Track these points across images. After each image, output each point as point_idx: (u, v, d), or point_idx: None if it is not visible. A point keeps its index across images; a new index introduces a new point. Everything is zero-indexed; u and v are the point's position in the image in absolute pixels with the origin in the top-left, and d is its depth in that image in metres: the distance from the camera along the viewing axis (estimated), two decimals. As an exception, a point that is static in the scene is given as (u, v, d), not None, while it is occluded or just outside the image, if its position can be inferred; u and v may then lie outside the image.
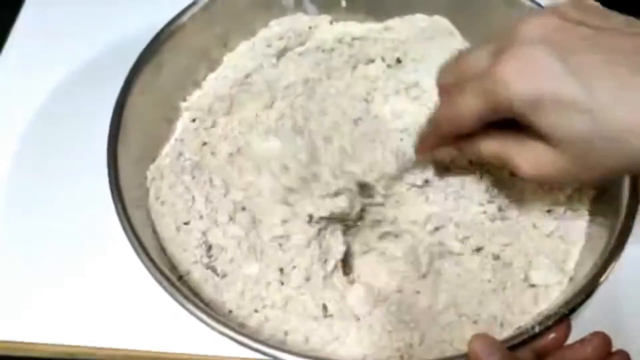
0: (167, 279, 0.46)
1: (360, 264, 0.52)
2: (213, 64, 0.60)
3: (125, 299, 0.57)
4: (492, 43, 0.43)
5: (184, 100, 0.59)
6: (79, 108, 0.67)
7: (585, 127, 0.39)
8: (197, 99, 0.59)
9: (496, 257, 0.51)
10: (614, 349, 0.42)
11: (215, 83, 0.60)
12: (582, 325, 0.45)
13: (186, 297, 0.45)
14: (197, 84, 0.60)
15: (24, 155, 0.65)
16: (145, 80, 0.54)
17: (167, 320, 0.56)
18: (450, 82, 0.46)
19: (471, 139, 0.46)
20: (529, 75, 0.39)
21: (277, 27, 0.61)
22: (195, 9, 0.57)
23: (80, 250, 0.59)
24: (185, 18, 0.57)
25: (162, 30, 0.56)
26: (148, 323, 0.56)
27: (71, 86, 0.69)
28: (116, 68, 0.52)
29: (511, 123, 0.42)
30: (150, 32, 0.55)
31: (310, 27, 0.62)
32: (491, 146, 0.45)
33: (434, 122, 0.48)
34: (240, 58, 0.60)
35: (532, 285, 0.49)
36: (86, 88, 0.69)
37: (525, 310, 0.48)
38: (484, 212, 0.52)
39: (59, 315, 0.56)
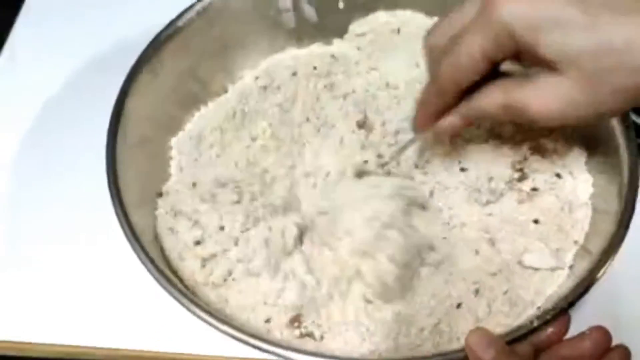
0: (169, 280, 0.45)
1: None
2: (212, 67, 0.60)
3: (125, 299, 0.57)
4: None
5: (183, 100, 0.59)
6: (79, 108, 0.67)
7: (589, 43, 0.39)
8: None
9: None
10: (613, 344, 0.42)
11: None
12: (581, 319, 0.44)
13: (189, 299, 0.44)
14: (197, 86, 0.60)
15: (24, 155, 0.65)
16: (144, 81, 0.54)
17: (167, 321, 0.56)
18: (441, 39, 0.45)
19: (473, 98, 0.45)
20: (526, 0, 0.40)
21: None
22: (193, 12, 0.57)
23: (80, 250, 0.59)
24: (183, 20, 0.57)
25: (162, 32, 0.56)
26: (148, 323, 0.56)
27: (71, 86, 0.70)
28: (116, 68, 0.52)
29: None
30: (150, 34, 0.55)
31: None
32: (496, 98, 0.44)
33: (432, 83, 0.47)
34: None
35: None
36: (86, 87, 0.69)
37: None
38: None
39: (59, 315, 0.57)
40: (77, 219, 0.61)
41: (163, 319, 0.56)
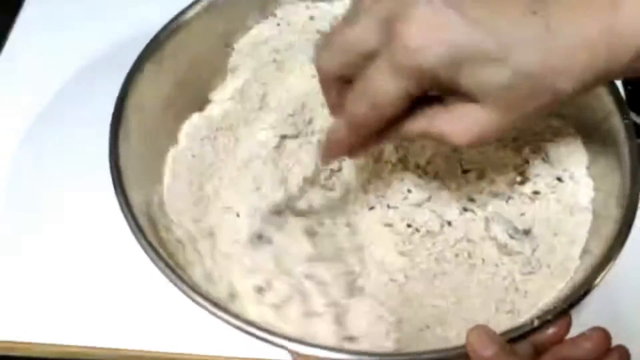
0: (177, 274, 0.45)
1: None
2: (214, 64, 0.60)
3: (125, 299, 0.57)
4: (367, 9, 0.41)
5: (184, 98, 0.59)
6: (79, 107, 0.68)
7: (505, 75, 0.39)
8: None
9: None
10: (613, 345, 0.42)
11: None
12: (582, 321, 0.44)
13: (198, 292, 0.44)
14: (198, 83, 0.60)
15: (24, 155, 0.66)
16: (146, 78, 0.54)
17: (167, 321, 0.56)
18: (338, 66, 0.43)
19: (395, 128, 0.44)
20: (439, 36, 0.38)
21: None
22: (197, 7, 0.57)
23: (80, 251, 0.59)
24: (187, 16, 0.57)
25: (164, 28, 0.56)
26: (148, 323, 0.56)
27: (71, 85, 0.70)
28: (116, 68, 0.52)
29: (428, 100, 0.42)
30: (150, 33, 0.55)
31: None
32: (417, 124, 0.43)
33: (347, 124, 0.44)
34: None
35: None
36: (86, 87, 0.69)
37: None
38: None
39: (59, 315, 0.57)
40: (77, 219, 0.61)
41: (163, 319, 0.56)
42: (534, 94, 0.40)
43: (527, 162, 0.53)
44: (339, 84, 0.44)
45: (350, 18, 0.42)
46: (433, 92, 0.42)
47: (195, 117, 0.57)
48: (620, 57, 0.39)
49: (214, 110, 0.58)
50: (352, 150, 0.46)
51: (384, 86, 0.40)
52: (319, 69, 0.45)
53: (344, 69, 0.43)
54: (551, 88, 0.40)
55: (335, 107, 0.46)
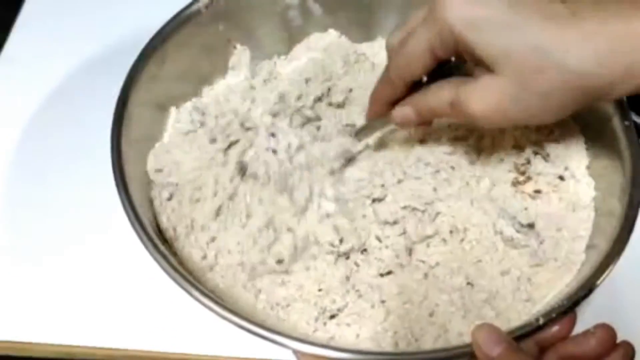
0: (181, 274, 0.45)
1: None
2: (216, 61, 0.60)
3: (125, 299, 0.57)
4: None
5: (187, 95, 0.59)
6: (79, 107, 0.68)
7: (517, 42, 0.41)
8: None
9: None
10: (618, 341, 0.42)
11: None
12: (586, 318, 0.45)
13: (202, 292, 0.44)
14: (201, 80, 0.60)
15: (25, 154, 0.65)
16: (148, 75, 0.53)
17: (167, 321, 0.56)
18: (398, 39, 0.48)
19: (424, 92, 0.48)
20: (465, 2, 0.42)
21: None
22: (200, 4, 0.57)
23: (80, 250, 0.59)
24: (189, 13, 0.56)
25: (165, 25, 0.55)
26: (148, 323, 0.56)
27: (72, 85, 0.70)
28: (117, 67, 0.52)
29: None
30: (150, 33, 0.55)
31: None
32: (443, 94, 0.46)
33: (384, 76, 0.50)
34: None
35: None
36: (87, 86, 0.69)
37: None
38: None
39: (59, 315, 0.57)
40: (77, 219, 0.61)
41: (163, 319, 0.56)
42: (542, 68, 0.41)
43: (528, 161, 0.54)
44: None
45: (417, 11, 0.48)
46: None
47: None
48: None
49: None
50: (387, 103, 0.50)
51: (415, 41, 0.45)
52: (387, 45, 0.50)
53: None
54: (558, 64, 0.41)
55: None
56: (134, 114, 0.52)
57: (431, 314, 0.48)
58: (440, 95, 0.47)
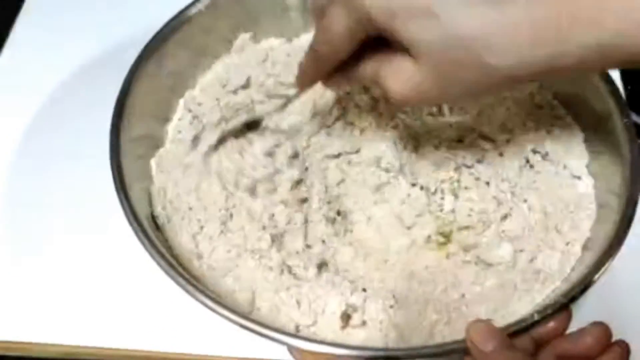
0: (181, 275, 0.45)
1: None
2: (218, 59, 0.61)
3: (125, 299, 0.57)
4: None
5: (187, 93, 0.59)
6: (80, 106, 0.68)
7: (436, 33, 0.39)
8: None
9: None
10: (614, 340, 0.42)
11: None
12: (582, 316, 0.45)
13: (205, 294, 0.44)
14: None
15: (25, 153, 0.66)
16: (148, 73, 0.54)
17: (167, 321, 0.56)
18: (323, 3, 0.45)
19: (355, 64, 0.45)
20: None
21: None
22: (201, 5, 0.57)
23: (80, 250, 0.59)
24: (191, 12, 0.57)
25: (166, 25, 0.56)
26: (148, 323, 0.56)
27: (72, 84, 0.70)
28: (117, 67, 0.53)
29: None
30: (150, 32, 0.55)
31: None
32: (368, 68, 0.45)
33: (311, 49, 0.46)
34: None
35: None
36: (87, 86, 0.69)
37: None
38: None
39: (59, 315, 0.57)
40: (77, 218, 0.61)
41: (163, 319, 0.56)
42: (462, 62, 0.39)
43: (527, 160, 0.54)
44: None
45: None
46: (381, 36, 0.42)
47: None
48: (571, 47, 0.38)
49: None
50: (317, 78, 0.48)
51: (335, 20, 0.42)
52: (310, 8, 0.47)
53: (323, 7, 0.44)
54: (479, 60, 0.39)
55: None
56: (134, 114, 0.52)
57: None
58: (366, 71, 0.45)
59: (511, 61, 0.39)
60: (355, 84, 0.48)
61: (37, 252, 0.60)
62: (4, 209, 0.62)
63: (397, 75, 0.42)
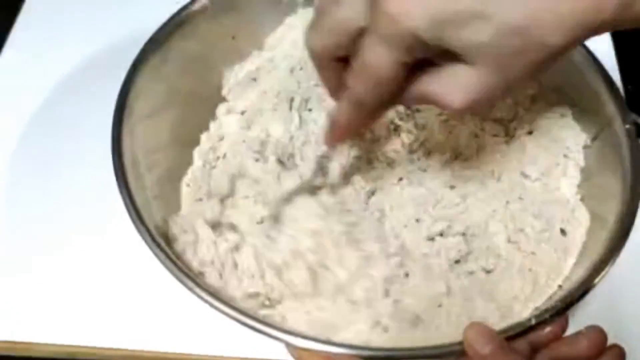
0: (185, 273, 0.45)
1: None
2: (220, 56, 0.61)
3: (125, 299, 0.57)
4: None
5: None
6: (80, 106, 0.68)
7: (490, 32, 0.38)
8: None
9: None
10: (609, 344, 0.42)
11: None
12: (579, 321, 0.45)
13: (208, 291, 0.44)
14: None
15: (26, 153, 0.66)
16: (149, 72, 0.54)
17: (167, 321, 0.56)
18: (330, 48, 0.43)
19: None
20: (418, 0, 0.38)
21: None
22: (201, 3, 0.57)
23: (80, 251, 0.59)
24: (191, 11, 0.57)
25: (165, 24, 0.56)
26: (148, 323, 0.56)
27: (72, 85, 0.70)
28: (117, 67, 0.53)
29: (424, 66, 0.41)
30: (151, 32, 0.55)
31: None
32: (414, 90, 0.42)
33: (350, 104, 0.44)
34: None
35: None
36: (88, 86, 0.70)
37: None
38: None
39: (59, 315, 0.57)
40: (77, 219, 0.61)
41: (164, 319, 0.56)
42: (522, 50, 0.39)
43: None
44: (335, 65, 0.44)
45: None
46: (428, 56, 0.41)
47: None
48: (606, 6, 0.38)
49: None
50: (356, 131, 0.46)
51: (378, 60, 0.40)
52: (310, 52, 0.44)
53: (337, 50, 0.43)
54: (540, 42, 0.38)
55: (335, 89, 0.46)
56: (136, 112, 0.52)
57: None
58: (412, 92, 0.43)
59: (566, 33, 0.38)
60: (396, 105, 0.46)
61: (37, 252, 0.60)
62: (4, 210, 0.62)
63: (455, 87, 0.41)
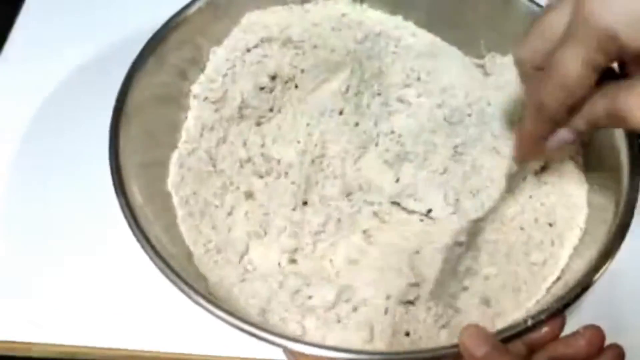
0: (182, 278, 0.45)
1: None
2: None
3: (125, 299, 0.57)
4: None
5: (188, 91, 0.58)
6: (80, 106, 0.68)
7: None
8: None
9: None
10: (607, 343, 0.42)
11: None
12: (576, 321, 0.44)
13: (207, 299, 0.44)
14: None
15: (25, 154, 0.66)
16: (147, 72, 0.54)
17: (167, 321, 0.56)
18: (532, 55, 0.41)
19: (577, 112, 0.41)
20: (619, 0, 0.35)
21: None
22: (201, 2, 0.57)
23: (80, 251, 0.60)
24: (190, 11, 0.57)
25: (166, 23, 0.56)
26: (148, 323, 0.56)
27: (73, 84, 0.70)
28: (117, 67, 0.52)
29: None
30: (150, 32, 0.55)
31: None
32: (600, 102, 0.39)
33: (537, 109, 0.42)
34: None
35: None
36: (88, 86, 0.69)
37: None
38: None
39: (59, 315, 0.57)
40: (77, 219, 0.61)
41: (163, 319, 0.56)
42: None
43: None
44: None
45: (547, 10, 0.41)
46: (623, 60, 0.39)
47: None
48: None
49: None
50: (544, 137, 0.44)
51: (567, 60, 0.38)
52: (515, 61, 0.43)
53: (539, 57, 0.41)
54: None
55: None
56: (134, 114, 0.52)
57: None
58: (597, 108, 0.40)
59: None
60: (581, 134, 0.43)
61: (37, 252, 0.60)
62: (4, 210, 0.63)
63: None
